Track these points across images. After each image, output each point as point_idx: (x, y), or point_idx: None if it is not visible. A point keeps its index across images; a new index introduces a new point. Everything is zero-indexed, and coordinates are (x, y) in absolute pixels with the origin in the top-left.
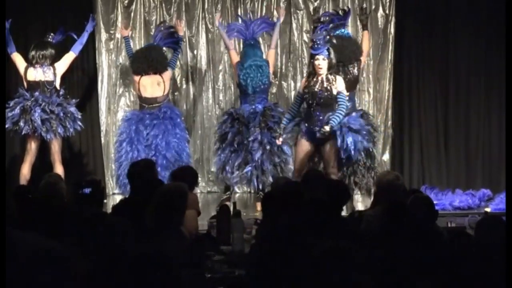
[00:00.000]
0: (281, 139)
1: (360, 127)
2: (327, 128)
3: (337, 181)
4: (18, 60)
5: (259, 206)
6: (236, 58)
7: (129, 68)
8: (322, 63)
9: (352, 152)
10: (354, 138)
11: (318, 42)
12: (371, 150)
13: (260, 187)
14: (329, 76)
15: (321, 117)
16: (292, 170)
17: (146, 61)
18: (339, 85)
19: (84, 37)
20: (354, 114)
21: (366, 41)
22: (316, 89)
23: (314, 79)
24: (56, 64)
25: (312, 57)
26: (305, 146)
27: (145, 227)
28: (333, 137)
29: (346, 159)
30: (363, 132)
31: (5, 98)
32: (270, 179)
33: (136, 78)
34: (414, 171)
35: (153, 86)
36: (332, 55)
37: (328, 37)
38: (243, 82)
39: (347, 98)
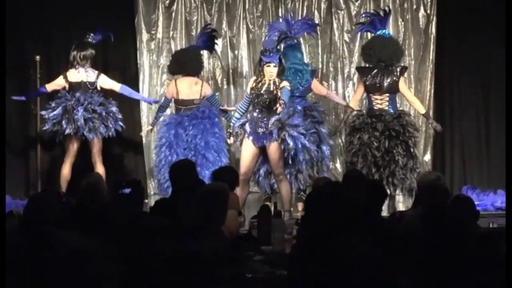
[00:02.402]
0: (232, 138)
1: (301, 125)
2: (279, 108)
3: (374, 181)
4: (53, 83)
5: (300, 206)
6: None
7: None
8: (273, 70)
9: (296, 151)
10: (295, 138)
11: (270, 50)
12: (412, 150)
13: (301, 187)
14: (276, 80)
15: (265, 120)
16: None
17: (179, 62)
18: (283, 91)
19: (137, 95)
20: (296, 115)
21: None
22: (262, 92)
23: (262, 82)
24: (102, 76)
25: (261, 62)
26: (250, 148)
27: (185, 227)
28: (277, 139)
29: (292, 159)
30: (303, 131)
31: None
32: (307, 179)
33: (172, 80)
34: (456, 171)
35: (190, 87)
36: (283, 62)
37: (278, 46)
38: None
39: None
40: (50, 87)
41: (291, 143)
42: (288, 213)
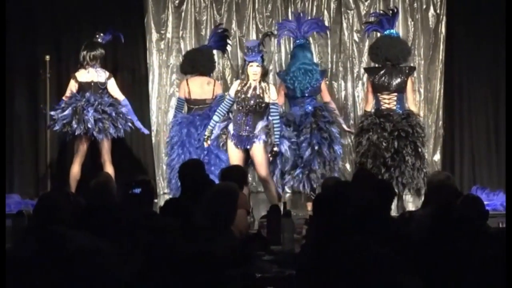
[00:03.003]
0: (209, 141)
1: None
2: (276, 149)
3: (383, 181)
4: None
5: (309, 206)
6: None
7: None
8: (256, 69)
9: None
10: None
11: (252, 49)
12: (420, 150)
13: (314, 186)
14: (262, 83)
15: (250, 123)
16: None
17: (191, 62)
18: (272, 94)
19: (133, 116)
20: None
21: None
22: (248, 95)
23: (247, 85)
24: (112, 80)
25: (245, 63)
26: (235, 151)
27: (195, 227)
28: (263, 141)
29: (274, 156)
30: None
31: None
32: (320, 178)
33: (183, 80)
34: (465, 171)
35: (202, 87)
36: (265, 63)
37: (261, 44)
38: (291, 86)
39: (282, 108)
40: (67, 95)
41: (266, 140)
42: None
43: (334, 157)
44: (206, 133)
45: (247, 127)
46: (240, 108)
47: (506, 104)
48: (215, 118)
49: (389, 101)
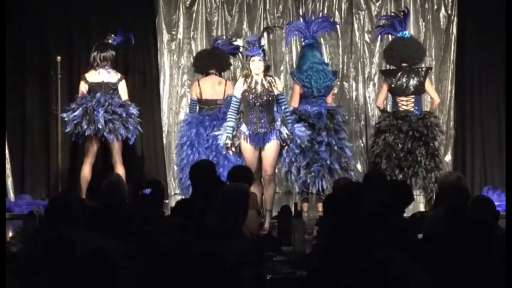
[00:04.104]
0: (233, 149)
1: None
2: (291, 136)
3: (401, 182)
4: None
5: (320, 207)
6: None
7: (191, 69)
8: (259, 64)
9: (296, 138)
10: (292, 128)
11: (253, 43)
12: (433, 152)
13: (324, 187)
14: (268, 77)
15: (265, 119)
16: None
17: (208, 58)
18: (278, 85)
19: None
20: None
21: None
22: (259, 92)
23: (253, 81)
24: (123, 83)
25: (247, 58)
26: (251, 150)
27: (205, 227)
28: (277, 137)
29: (289, 142)
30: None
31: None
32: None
33: (195, 81)
34: (476, 172)
35: (213, 87)
36: (267, 57)
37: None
38: (308, 85)
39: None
40: (78, 96)
41: (284, 132)
42: (269, 213)
43: (346, 158)
44: (228, 141)
45: (263, 123)
46: (253, 106)
47: (506, 104)
48: (230, 123)
49: (407, 103)
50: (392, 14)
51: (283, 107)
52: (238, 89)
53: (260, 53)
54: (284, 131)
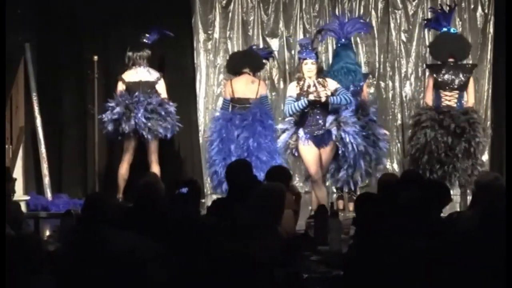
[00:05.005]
0: (291, 140)
1: (356, 123)
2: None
3: (439, 182)
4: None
5: (351, 206)
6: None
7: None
8: (311, 67)
9: (350, 147)
10: (351, 136)
11: (306, 46)
12: (472, 150)
13: (353, 187)
14: (320, 79)
15: (321, 120)
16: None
17: (241, 58)
18: (331, 84)
19: None
20: (347, 110)
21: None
22: (315, 94)
23: (306, 83)
24: (162, 82)
25: (299, 61)
26: (312, 152)
27: (241, 227)
28: (334, 139)
29: (342, 156)
30: (358, 129)
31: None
32: (364, 178)
33: (228, 81)
34: None
35: (246, 86)
36: (320, 60)
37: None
38: None
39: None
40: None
41: (347, 139)
42: None
43: (379, 155)
44: (291, 141)
45: (321, 125)
46: (307, 109)
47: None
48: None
49: (450, 98)
50: (439, 9)
51: (341, 96)
52: (292, 89)
53: (313, 56)
54: (334, 134)
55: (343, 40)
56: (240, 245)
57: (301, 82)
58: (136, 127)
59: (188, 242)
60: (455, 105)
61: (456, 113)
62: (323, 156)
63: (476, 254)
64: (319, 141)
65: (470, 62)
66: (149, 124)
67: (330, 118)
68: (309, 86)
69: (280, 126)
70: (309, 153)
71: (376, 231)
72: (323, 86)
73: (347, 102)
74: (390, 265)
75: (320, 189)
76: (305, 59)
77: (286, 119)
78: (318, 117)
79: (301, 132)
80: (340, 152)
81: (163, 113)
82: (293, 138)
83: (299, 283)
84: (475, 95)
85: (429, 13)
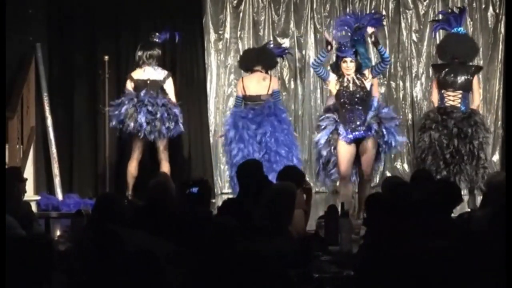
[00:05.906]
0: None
1: (395, 118)
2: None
3: (451, 183)
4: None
5: None
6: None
7: (237, 68)
8: (350, 65)
9: (393, 144)
10: (391, 133)
11: (345, 44)
12: (477, 151)
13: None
14: (358, 75)
15: (361, 116)
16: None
17: (254, 55)
18: (369, 77)
19: None
20: (385, 105)
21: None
22: (352, 89)
23: (345, 80)
24: (170, 80)
25: (338, 59)
26: (348, 150)
27: (252, 227)
28: (375, 134)
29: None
30: (397, 124)
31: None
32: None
33: (240, 79)
34: None
35: (258, 83)
36: (358, 57)
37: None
38: None
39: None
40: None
41: (387, 137)
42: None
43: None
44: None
45: (361, 121)
46: (347, 105)
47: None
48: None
49: (453, 98)
50: (449, 10)
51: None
52: (332, 88)
53: (351, 54)
54: (374, 128)
55: (355, 36)
56: (251, 245)
57: (341, 79)
58: (138, 128)
59: (199, 242)
60: (459, 105)
61: (458, 116)
62: (365, 153)
63: (488, 254)
64: (358, 136)
65: (481, 62)
66: (151, 125)
67: (370, 114)
68: (348, 82)
69: (320, 123)
70: (344, 151)
71: (387, 231)
72: (362, 81)
73: (387, 56)
74: (401, 265)
75: (345, 187)
76: (344, 56)
77: (325, 115)
78: (358, 112)
79: (341, 129)
80: (380, 149)
81: (165, 114)
82: (333, 135)
83: (310, 283)
84: (485, 95)
85: (440, 16)
